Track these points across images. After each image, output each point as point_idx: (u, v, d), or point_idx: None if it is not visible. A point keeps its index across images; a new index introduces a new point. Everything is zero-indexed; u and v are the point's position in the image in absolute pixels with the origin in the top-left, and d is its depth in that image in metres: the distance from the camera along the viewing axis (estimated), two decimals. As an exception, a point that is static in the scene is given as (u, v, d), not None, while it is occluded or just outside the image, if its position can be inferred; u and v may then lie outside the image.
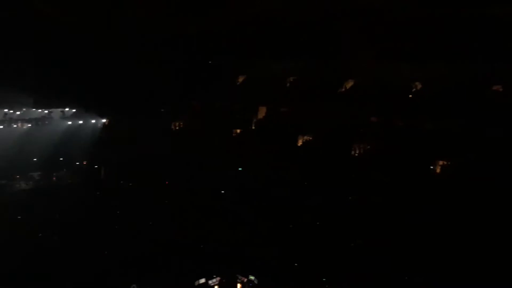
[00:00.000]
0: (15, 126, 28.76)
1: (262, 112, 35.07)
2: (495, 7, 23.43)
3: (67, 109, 36.63)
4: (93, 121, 37.10)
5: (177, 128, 38.88)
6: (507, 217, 19.85)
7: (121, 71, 34.82)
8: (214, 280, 18.28)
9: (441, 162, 25.07)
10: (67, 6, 27.37)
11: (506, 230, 19.33)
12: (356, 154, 28.54)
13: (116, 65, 34.38)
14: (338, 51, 28.73)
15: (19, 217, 24.74)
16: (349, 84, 30.64)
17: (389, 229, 21.59)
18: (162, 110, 34.25)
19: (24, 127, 29.31)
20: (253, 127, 34.86)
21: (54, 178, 33.89)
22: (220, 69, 36.89)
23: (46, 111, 35.46)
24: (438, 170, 25.11)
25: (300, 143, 31.11)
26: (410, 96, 28.50)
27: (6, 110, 27.95)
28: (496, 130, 23.69)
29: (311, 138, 30.76)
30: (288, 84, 34.05)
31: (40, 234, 21.85)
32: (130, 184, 31.41)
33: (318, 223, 23.55)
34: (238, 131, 35.13)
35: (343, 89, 30.84)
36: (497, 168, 22.07)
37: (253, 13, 30.51)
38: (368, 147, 28.22)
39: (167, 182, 30.95)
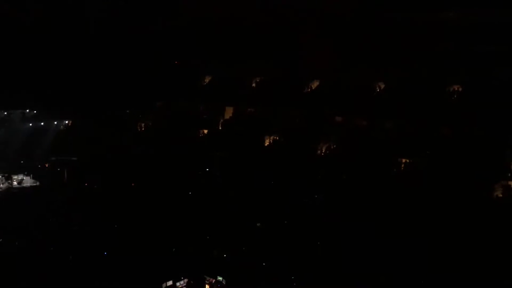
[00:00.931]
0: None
1: (228, 113, 35.16)
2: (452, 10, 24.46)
3: (27, 110, 35.77)
4: (55, 122, 36.27)
5: (142, 129, 38.48)
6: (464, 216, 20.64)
7: (85, 70, 34.23)
8: (181, 282, 18.21)
9: (402, 161, 25.83)
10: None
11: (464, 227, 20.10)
12: (322, 154, 29.01)
13: (80, 65, 33.80)
14: (303, 52, 29.14)
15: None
16: (314, 84, 31.12)
17: (355, 227, 22.01)
18: (128, 111, 33.80)
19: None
20: (220, 128, 34.89)
21: (14, 181, 32.96)
22: (187, 69, 36.76)
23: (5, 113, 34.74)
24: (400, 169, 25.85)
25: (266, 143, 31.36)
26: (373, 96, 29.16)
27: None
28: (455, 129, 24.71)
29: (277, 138, 31.05)
30: (254, 85, 34.25)
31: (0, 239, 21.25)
32: (95, 186, 30.80)
33: (285, 222, 23.77)
34: (205, 131, 35.08)
35: (308, 90, 31.29)
36: (454, 167, 22.95)
37: (219, 14, 30.61)
38: (333, 146, 28.72)
39: (133, 184, 30.55)
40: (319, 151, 28.97)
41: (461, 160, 23.09)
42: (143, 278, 17.77)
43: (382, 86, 29.04)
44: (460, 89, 26.11)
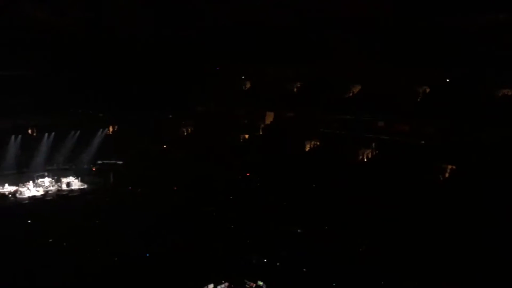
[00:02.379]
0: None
1: (269, 118, 35.31)
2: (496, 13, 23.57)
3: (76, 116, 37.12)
4: (101, 127, 37.52)
5: (184, 133, 39.25)
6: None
7: (129, 76, 35.24)
8: (222, 285, 18.37)
9: (448, 167, 25.09)
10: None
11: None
12: (364, 160, 28.63)
13: (124, 70, 34.79)
14: (345, 56, 28.87)
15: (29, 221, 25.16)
16: (356, 89, 30.73)
17: (395, 235, 21.60)
18: (170, 116, 34.55)
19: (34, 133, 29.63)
20: (261, 133, 35.09)
21: (63, 184, 34.24)
22: (228, 74, 37.17)
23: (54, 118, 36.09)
24: (445, 175, 25.13)
25: (307, 148, 31.25)
26: (418, 100, 28.53)
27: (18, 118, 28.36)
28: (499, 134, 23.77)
29: (318, 144, 30.90)
30: (295, 90, 34.23)
31: (50, 240, 22.10)
32: (139, 189, 31.60)
33: (326, 227, 23.59)
34: (246, 136, 35.38)
35: (350, 94, 30.94)
36: (501, 174, 22.09)
37: (259, 18, 30.78)
38: (376, 152, 28.29)
39: (175, 188, 31.12)
40: (360, 157, 28.62)
41: (508, 167, 22.21)
42: (184, 281, 18.04)
43: (426, 90, 28.39)
44: (510, 92, 25.17)
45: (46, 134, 34.62)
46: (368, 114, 29.13)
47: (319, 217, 24.24)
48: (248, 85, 38.02)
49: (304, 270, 19.45)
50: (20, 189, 32.20)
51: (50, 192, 32.62)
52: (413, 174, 24.96)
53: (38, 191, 32.50)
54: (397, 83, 28.30)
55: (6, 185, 32.41)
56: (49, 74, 33.61)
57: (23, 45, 28.15)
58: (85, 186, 34.56)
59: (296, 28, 29.96)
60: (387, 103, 28.47)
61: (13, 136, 32.68)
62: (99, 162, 36.56)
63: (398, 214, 22.96)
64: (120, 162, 36.10)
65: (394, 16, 26.60)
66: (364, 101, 29.75)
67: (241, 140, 35.35)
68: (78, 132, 35.97)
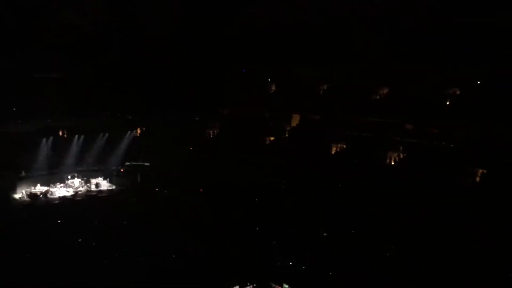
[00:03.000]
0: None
1: (295, 120, 35.18)
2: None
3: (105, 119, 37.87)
4: (129, 130, 38.13)
5: (210, 136, 39.50)
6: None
7: (156, 79, 35.73)
8: (248, 287, 18.35)
9: (479, 171, 24.44)
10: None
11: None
12: (392, 163, 28.18)
13: (151, 73, 35.28)
14: (373, 58, 28.54)
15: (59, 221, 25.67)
16: (384, 91, 30.29)
17: (423, 240, 21.18)
18: (197, 118, 34.82)
19: (65, 135, 30.33)
20: (287, 135, 34.99)
21: (92, 184, 34.90)
22: (254, 77, 37.25)
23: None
24: (475, 179, 24.49)
25: (333, 151, 30.97)
26: (448, 103, 27.95)
27: (49, 120, 29.15)
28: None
29: (344, 146, 30.57)
30: (321, 92, 34.03)
31: (79, 239, 22.50)
32: (165, 191, 31.92)
33: (352, 231, 23.31)
34: (272, 139, 35.33)
35: (378, 97, 30.52)
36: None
37: (286, 21, 30.74)
38: (404, 155, 27.81)
39: (201, 190, 31.30)
40: (387, 160, 28.19)
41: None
42: (210, 283, 18.08)
43: (456, 92, 27.79)
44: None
45: (76, 136, 35.38)
46: (396, 116, 28.68)
47: (345, 220, 23.95)
48: (274, 87, 38.03)
49: (330, 273, 19.23)
50: (51, 189, 33.01)
51: (79, 192, 33.32)
52: (442, 178, 24.40)
53: (68, 191, 33.25)
54: (426, 85, 27.77)
55: (38, 185, 33.26)
56: (80, 77, 34.43)
57: (56, 50, 28.84)
58: (113, 187, 35.19)
59: (322, 30, 29.81)
60: (415, 105, 27.97)
61: (44, 138, 33.48)
62: (127, 163, 37.17)
63: (426, 218, 22.51)
64: (147, 164, 36.61)
65: (423, 16, 26.18)
66: (392, 103, 29.32)
67: (267, 143, 35.32)
68: (107, 134, 36.63)
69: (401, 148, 28.15)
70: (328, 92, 33.80)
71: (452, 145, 26.22)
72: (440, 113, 27.19)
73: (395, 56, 27.36)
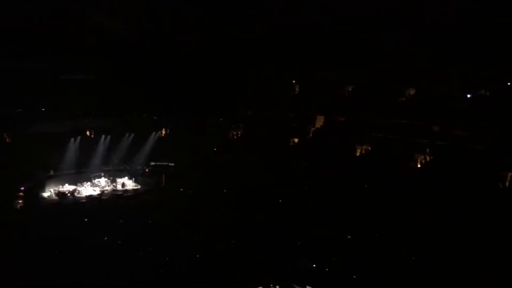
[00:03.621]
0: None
1: (319, 121, 34.99)
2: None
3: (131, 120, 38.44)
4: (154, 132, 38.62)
5: (235, 136, 39.64)
6: None
7: (180, 80, 36.08)
8: (271, 288, 18.34)
9: (508, 174, 23.83)
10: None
11: None
12: (418, 166, 27.73)
13: (177, 73, 35.64)
14: (399, 59, 28.15)
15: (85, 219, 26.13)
16: (411, 92, 29.81)
17: (450, 243, 20.75)
18: (221, 119, 34.99)
19: (92, 135, 30.93)
20: (310, 136, 34.82)
21: (118, 184, 35.44)
22: (278, 78, 37.22)
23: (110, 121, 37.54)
24: (504, 183, 23.88)
25: (358, 153, 30.66)
26: (476, 104, 27.34)
27: (77, 121, 29.80)
28: None
29: (369, 148, 30.22)
30: (346, 93, 33.75)
31: (105, 238, 22.84)
32: (189, 191, 32.15)
33: (377, 234, 23.02)
34: (296, 140, 35.23)
35: (404, 98, 30.05)
36: None
37: (310, 21, 30.58)
38: (430, 158, 27.33)
39: (225, 190, 31.41)
40: (414, 163, 27.75)
41: None
42: (233, 283, 18.11)
43: (484, 93, 27.17)
44: None
45: (103, 136, 36.01)
46: (423, 118, 28.19)
47: (369, 223, 23.68)
48: (298, 88, 37.92)
49: (354, 277, 19.03)
50: (78, 188, 33.69)
51: (106, 191, 33.87)
52: (470, 181, 23.89)
53: (94, 190, 33.87)
54: (453, 86, 27.24)
55: (66, 184, 34.00)
56: (106, 79, 35.05)
57: (84, 52, 29.42)
58: (139, 186, 35.66)
59: (347, 30, 29.54)
60: (442, 107, 27.45)
61: (72, 138, 34.18)
62: (152, 163, 37.67)
63: (453, 222, 22.05)
64: (172, 164, 37.00)
65: (451, 17, 25.67)
66: (418, 105, 28.84)
67: (291, 144, 35.23)
68: (133, 134, 37.17)
69: (427, 150, 27.68)
70: (353, 93, 33.49)
71: (480, 147, 25.62)
72: (468, 115, 26.61)
73: (421, 57, 26.92)
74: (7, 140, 33.96)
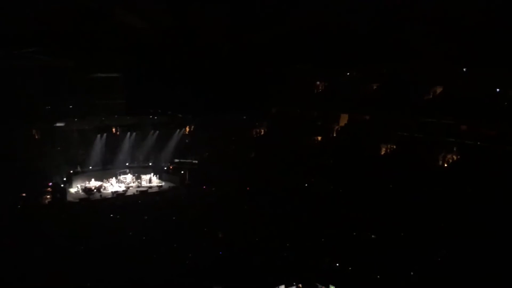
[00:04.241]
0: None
1: (344, 120, 34.64)
2: None
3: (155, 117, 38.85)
4: (178, 129, 38.91)
5: (256, 135, 39.62)
6: None
7: (205, 78, 36.25)
8: (293, 287, 18.24)
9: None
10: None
11: None
12: (445, 165, 27.16)
13: (201, 72, 35.83)
14: (425, 57, 27.62)
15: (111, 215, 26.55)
16: (438, 90, 29.19)
17: (475, 245, 20.25)
18: (244, 117, 35.05)
19: (118, 132, 31.41)
20: (335, 135, 34.51)
21: (143, 181, 35.90)
22: (303, 76, 37.05)
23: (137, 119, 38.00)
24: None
25: (383, 152, 30.22)
26: (505, 103, 26.62)
27: (103, 118, 30.25)
28: None
29: (395, 147, 29.74)
30: (371, 91, 33.30)
31: (130, 233, 23.14)
32: (213, 188, 32.31)
33: (402, 234, 22.66)
34: (319, 138, 34.97)
35: (431, 96, 29.45)
36: None
37: (334, 19, 30.29)
38: (458, 157, 26.73)
39: (248, 188, 31.44)
40: (440, 162, 27.19)
41: None
42: (256, 281, 18.09)
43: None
44: None
45: (128, 134, 36.52)
46: (450, 117, 27.57)
47: (394, 223, 23.33)
48: (323, 86, 37.63)
49: (378, 277, 18.79)
50: (104, 184, 34.27)
51: (131, 188, 34.37)
52: (498, 182, 23.26)
53: (120, 186, 34.41)
54: (481, 84, 26.57)
55: (93, 180, 34.64)
56: (133, 77, 35.48)
57: (113, 50, 29.85)
58: (163, 183, 36.05)
59: (373, 28, 29.15)
60: (471, 106, 26.80)
61: (98, 135, 34.76)
62: (176, 161, 38.02)
63: (480, 223, 21.52)
64: (196, 162, 37.27)
65: (479, 15, 25.04)
66: (446, 103, 28.22)
67: (315, 142, 34.99)
68: (157, 132, 37.57)
69: (455, 149, 27.09)
70: (378, 91, 33.03)
71: (509, 148, 24.92)
72: (497, 114, 25.93)
73: (449, 54, 26.35)
74: (36, 137, 34.75)
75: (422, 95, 29.85)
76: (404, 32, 28.11)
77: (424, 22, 27.08)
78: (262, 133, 39.47)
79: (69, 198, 31.25)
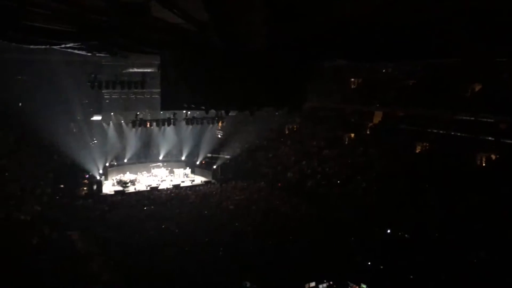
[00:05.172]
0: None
1: (377, 117, 34.08)
2: None
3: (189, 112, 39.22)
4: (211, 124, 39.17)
5: (289, 130, 39.56)
6: None
7: (237, 71, 36.31)
8: (324, 284, 18.15)
9: None
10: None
11: None
12: (483, 165, 26.36)
13: (234, 65, 35.90)
14: (463, 52, 26.73)
15: (145, 207, 27.04)
16: (477, 87, 28.28)
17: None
18: (276, 113, 34.89)
19: (152, 127, 32.02)
20: (368, 132, 34.01)
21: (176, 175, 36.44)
22: (337, 71, 36.64)
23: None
24: None
25: (418, 150, 29.58)
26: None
27: (137, 112, 30.93)
28: None
29: (430, 146, 29.06)
30: (406, 88, 32.59)
31: (163, 226, 23.53)
32: (244, 184, 32.47)
33: (436, 234, 22.17)
34: (352, 135, 34.57)
35: (469, 94, 28.56)
36: None
37: (368, 13, 29.72)
38: (497, 156, 25.89)
39: (279, 184, 31.47)
40: (478, 162, 26.40)
41: None
42: (287, 277, 18.10)
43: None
44: None
45: (162, 128, 37.11)
46: (489, 114, 26.68)
47: (428, 222, 22.84)
48: (356, 82, 37.14)
49: (411, 277, 18.48)
50: (138, 177, 34.97)
51: (164, 181, 34.95)
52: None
53: (153, 180, 35.03)
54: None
55: (128, 173, 35.41)
56: (166, 72, 35.91)
57: (150, 45, 30.29)
58: (195, 177, 36.51)
59: (408, 21, 28.43)
60: (510, 104, 25.86)
61: (133, 129, 35.50)
62: (209, 155, 38.40)
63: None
64: (228, 157, 37.53)
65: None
66: (484, 100, 27.31)
67: (346, 140, 34.63)
68: (191, 126, 37.99)
69: (493, 148, 26.24)
70: (413, 87, 32.30)
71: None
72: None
73: (489, 50, 25.41)
74: (74, 130, 35.78)
75: (459, 92, 29.02)
76: (442, 26, 27.31)
77: (463, 16, 26.23)
78: (295, 128, 39.37)
79: (104, 190, 32.06)
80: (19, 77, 36.65)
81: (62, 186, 29.55)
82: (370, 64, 32.81)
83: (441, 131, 29.10)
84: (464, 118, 27.79)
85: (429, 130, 29.76)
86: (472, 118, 27.23)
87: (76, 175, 31.56)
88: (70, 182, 30.33)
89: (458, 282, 17.79)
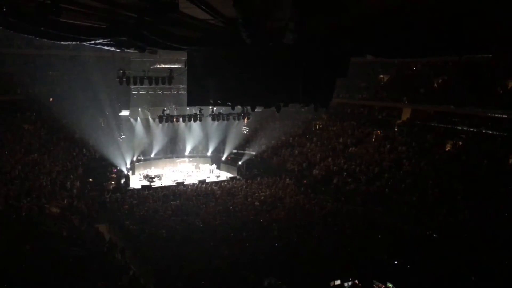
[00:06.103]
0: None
1: (406, 114, 33.49)
2: None
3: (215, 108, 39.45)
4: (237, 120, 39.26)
5: (314, 128, 39.29)
6: None
7: (263, 68, 36.25)
8: (349, 283, 18.00)
9: None
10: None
11: None
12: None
13: (259, 62, 35.86)
14: (496, 47, 25.96)
15: (171, 202, 27.31)
16: (510, 84, 27.47)
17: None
18: (303, 109, 34.70)
19: (178, 122, 32.31)
20: (396, 129, 33.47)
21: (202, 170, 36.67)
22: (364, 66, 36.20)
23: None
24: None
25: (448, 148, 28.95)
26: None
27: (164, 108, 31.28)
28: None
29: (461, 144, 28.38)
30: (436, 85, 31.94)
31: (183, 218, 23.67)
32: (270, 180, 32.41)
33: (465, 235, 21.69)
34: (378, 132, 34.10)
35: (501, 91, 27.76)
36: None
37: (399, 7, 29.17)
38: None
39: (305, 181, 31.33)
40: (511, 161, 25.65)
41: None
42: (311, 274, 18.01)
43: None
44: None
45: (188, 123, 37.40)
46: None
47: (458, 222, 22.36)
48: (384, 78, 36.59)
49: (437, 276, 18.11)
50: (165, 172, 35.36)
51: (189, 176, 35.24)
52: None
53: (179, 175, 35.36)
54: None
55: (153, 168, 35.87)
56: (192, 68, 36.15)
57: (175, 41, 30.57)
58: (221, 173, 36.69)
59: (440, 16, 27.80)
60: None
61: (160, 125, 35.88)
62: (234, 151, 38.52)
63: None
64: (253, 152, 37.57)
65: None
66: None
67: (374, 137, 34.14)
68: (216, 122, 38.19)
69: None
70: (443, 84, 31.62)
71: None
72: None
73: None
74: (103, 125, 36.42)
75: (491, 88, 28.26)
76: (474, 20, 26.61)
77: (497, 10, 25.48)
78: (321, 125, 39.08)
79: (131, 185, 32.54)
80: (50, 72, 37.55)
81: (91, 179, 30.14)
82: (401, 59, 32.24)
83: (472, 129, 28.39)
84: (496, 115, 27.05)
85: (460, 127, 29.09)
86: (505, 116, 26.49)
87: (105, 169, 32.16)
88: (98, 176, 30.92)
89: (487, 283, 17.37)
